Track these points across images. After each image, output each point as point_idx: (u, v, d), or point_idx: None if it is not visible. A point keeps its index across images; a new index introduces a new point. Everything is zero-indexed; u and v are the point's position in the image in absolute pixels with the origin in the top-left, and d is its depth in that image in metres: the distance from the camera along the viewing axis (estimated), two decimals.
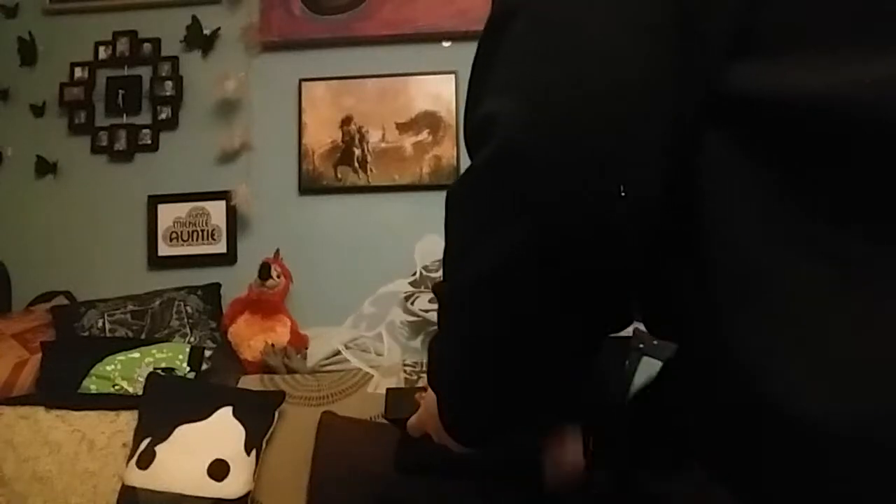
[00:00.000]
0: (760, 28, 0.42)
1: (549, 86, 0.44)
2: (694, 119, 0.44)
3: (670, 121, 0.44)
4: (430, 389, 0.76)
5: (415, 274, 2.02)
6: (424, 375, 1.70)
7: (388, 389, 1.00)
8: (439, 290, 0.64)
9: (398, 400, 0.93)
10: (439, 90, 2.12)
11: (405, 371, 1.82)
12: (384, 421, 0.96)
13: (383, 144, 2.12)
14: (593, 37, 0.44)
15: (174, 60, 2.23)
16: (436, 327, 0.68)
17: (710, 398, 0.47)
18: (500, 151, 0.46)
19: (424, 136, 2.11)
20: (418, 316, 1.90)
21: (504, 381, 0.59)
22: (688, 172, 0.44)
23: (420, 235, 2.04)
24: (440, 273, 1.94)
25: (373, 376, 1.79)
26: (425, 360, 1.87)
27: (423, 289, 1.98)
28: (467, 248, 0.53)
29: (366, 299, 2.05)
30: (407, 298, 1.98)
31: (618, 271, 0.48)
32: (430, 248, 2.02)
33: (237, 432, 1.56)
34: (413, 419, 0.83)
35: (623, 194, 0.43)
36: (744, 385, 0.42)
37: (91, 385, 1.74)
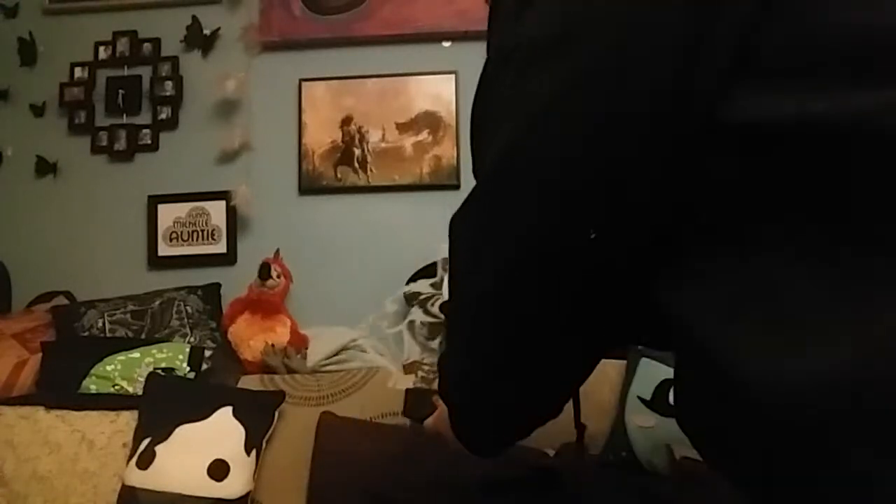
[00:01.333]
0: (763, 52, 0.42)
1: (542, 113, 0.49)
2: (694, 138, 0.44)
3: (667, 146, 0.45)
4: None
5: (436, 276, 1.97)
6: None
7: (407, 390, 1.06)
8: (447, 309, 0.68)
9: (417, 400, 0.98)
10: (439, 90, 2.12)
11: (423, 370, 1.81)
12: (383, 421, 1.00)
13: (383, 144, 2.12)
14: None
15: (174, 60, 2.23)
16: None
17: (709, 400, 0.47)
18: (499, 163, 0.52)
19: (424, 136, 2.11)
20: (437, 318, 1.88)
21: (508, 390, 0.61)
22: (688, 181, 0.45)
23: (420, 235, 2.04)
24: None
25: (378, 370, 1.78)
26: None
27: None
28: (474, 258, 0.56)
29: (366, 299, 2.06)
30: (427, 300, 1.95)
31: (609, 280, 0.50)
32: None
33: (237, 432, 1.56)
34: (430, 421, 0.87)
35: (592, 236, 0.47)
36: (741, 390, 0.42)
37: (91, 385, 1.74)
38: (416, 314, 1.82)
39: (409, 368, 1.53)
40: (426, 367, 1.47)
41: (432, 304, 1.81)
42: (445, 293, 1.74)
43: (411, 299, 1.85)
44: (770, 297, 0.41)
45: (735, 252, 0.44)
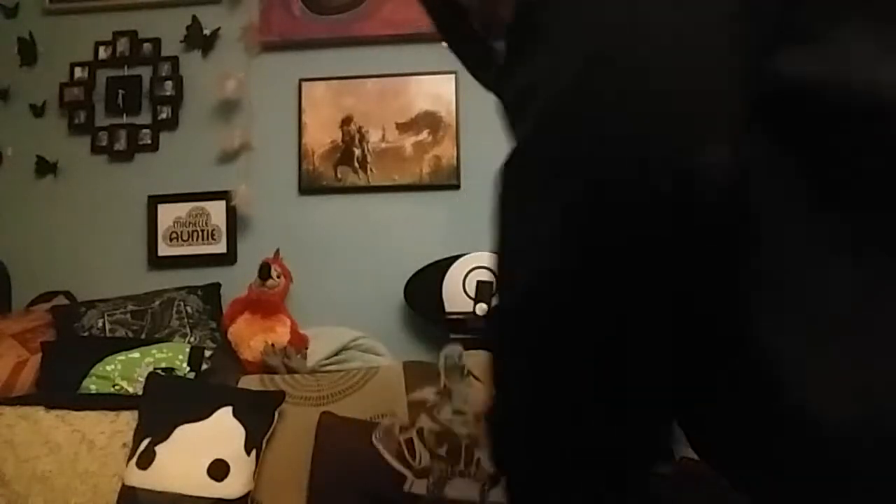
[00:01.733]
0: (806, 14, 0.40)
1: (604, 51, 0.38)
2: (745, 112, 0.40)
3: (737, 110, 0.39)
4: None
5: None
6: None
7: None
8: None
9: None
10: (439, 90, 2.12)
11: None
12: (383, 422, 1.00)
13: (383, 144, 2.12)
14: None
15: (174, 60, 2.23)
16: None
17: (738, 408, 0.45)
18: (544, 114, 0.41)
19: (424, 136, 2.11)
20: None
21: (586, 428, 0.47)
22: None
23: (420, 235, 2.04)
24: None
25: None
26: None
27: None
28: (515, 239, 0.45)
29: (366, 299, 2.06)
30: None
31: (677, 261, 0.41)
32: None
33: (237, 432, 1.56)
34: None
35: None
36: (777, 394, 0.40)
37: (91, 385, 1.74)
38: (424, 422, 1.79)
39: (421, 473, 1.58)
40: (437, 473, 1.54)
41: (438, 412, 1.80)
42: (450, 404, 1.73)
43: (418, 407, 1.80)
44: (823, 304, 0.39)
45: (775, 256, 0.40)
